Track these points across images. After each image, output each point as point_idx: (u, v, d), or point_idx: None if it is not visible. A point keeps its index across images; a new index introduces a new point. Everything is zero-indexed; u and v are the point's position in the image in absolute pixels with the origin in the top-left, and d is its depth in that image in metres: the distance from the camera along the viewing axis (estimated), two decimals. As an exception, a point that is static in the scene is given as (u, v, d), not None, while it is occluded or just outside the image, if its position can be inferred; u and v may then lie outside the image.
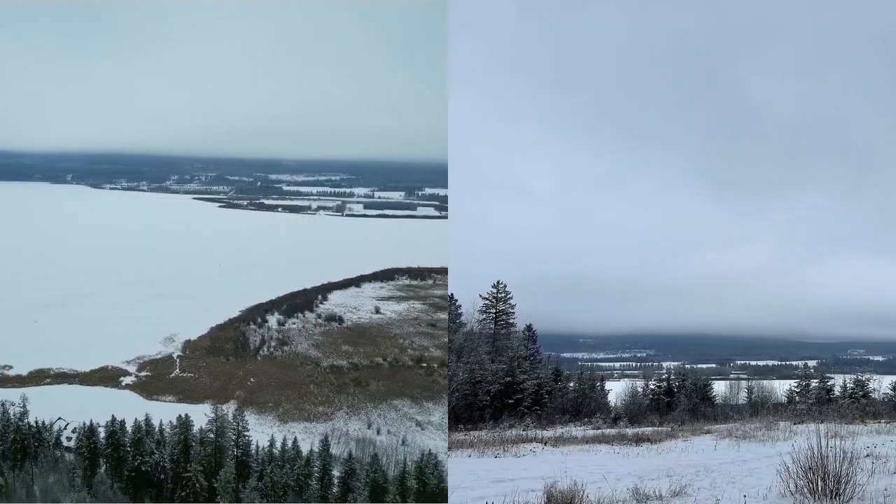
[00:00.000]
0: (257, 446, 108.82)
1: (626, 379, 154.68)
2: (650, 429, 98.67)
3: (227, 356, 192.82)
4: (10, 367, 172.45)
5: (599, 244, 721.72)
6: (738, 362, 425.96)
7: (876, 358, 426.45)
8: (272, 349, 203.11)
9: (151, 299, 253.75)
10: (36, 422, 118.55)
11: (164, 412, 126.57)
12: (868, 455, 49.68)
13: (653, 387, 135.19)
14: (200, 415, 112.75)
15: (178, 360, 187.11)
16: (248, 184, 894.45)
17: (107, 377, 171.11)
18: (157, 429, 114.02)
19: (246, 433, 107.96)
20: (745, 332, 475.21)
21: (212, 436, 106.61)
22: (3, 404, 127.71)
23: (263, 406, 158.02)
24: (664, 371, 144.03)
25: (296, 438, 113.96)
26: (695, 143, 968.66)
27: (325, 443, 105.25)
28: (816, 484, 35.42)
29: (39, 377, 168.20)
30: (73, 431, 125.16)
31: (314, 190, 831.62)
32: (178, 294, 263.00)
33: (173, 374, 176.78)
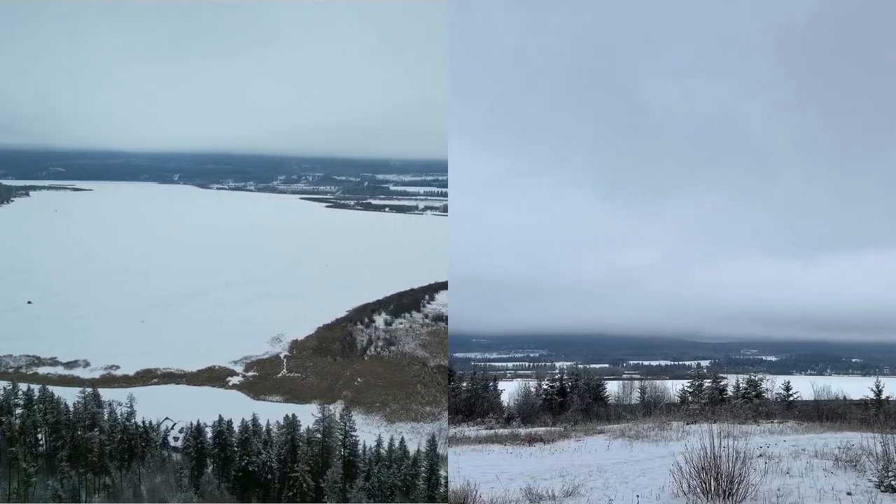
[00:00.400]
0: (364, 446, 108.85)
1: (519, 379, 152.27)
2: (543, 429, 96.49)
3: (334, 356, 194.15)
4: (118, 367, 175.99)
5: (493, 244, 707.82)
6: (631, 362, 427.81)
7: (769, 358, 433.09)
8: (379, 349, 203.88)
9: (259, 299, 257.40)
10: (143, 422, 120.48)
11: (272, 412, 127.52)
12: (761, 455, 49.65)
13: (546, 387, 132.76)
14: (307, 415, 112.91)
15: (285, 360, 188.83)
16: (356, 184, 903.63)
17: (214, 377, 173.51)
18: (264, 429, 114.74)
19: (353, 433, 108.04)
20: (638, 333, 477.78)
21: (319, 436, 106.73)
22: (110, 404, 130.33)
23: (370, 406, 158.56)
24: (557, 371, 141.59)
25: (403, 438, 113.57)
26: (590, 143, 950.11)
27: (432, 443, 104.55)
28: (709, 484, 35.45)
29: (146, 377, 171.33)
30: (180, 431, 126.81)
31: (421, 190, 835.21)
32: (285, 294, 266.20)
33: (280, 374, 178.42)
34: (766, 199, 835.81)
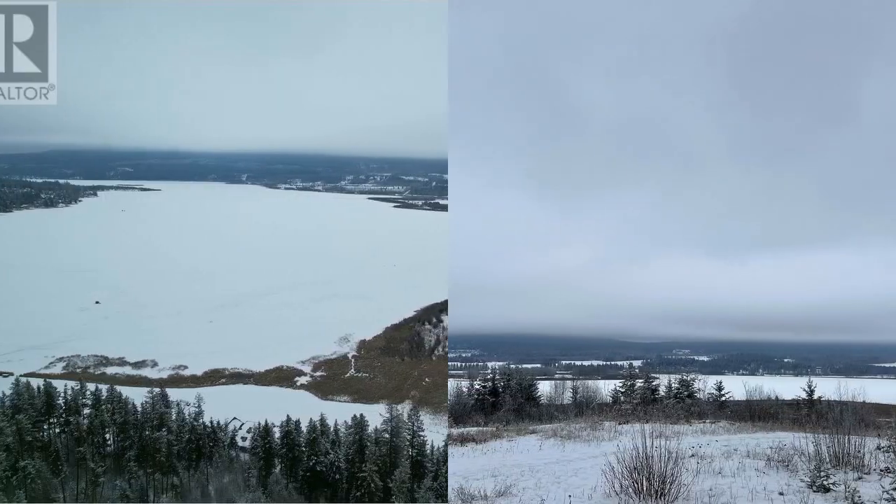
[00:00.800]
0: (432, 446, 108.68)
1: (451, 379, 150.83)
2: (475, 429, 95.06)
3: (401, 356, 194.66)
4: (186, 367, 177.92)
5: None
6: (563, 362, 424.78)
7: (701, 358, 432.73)
8: (447, 349, 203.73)
9: (326, 299, 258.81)
10: (211, 422, 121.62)
11: (339, 412, 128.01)
12: (693, 455, 49.89)
13: (478, 387, 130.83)
14: (375, 415, 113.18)
15: (353, 360, 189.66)
16: (423, 184, 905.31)
17: (282, 377, 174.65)
18: (332, 429, 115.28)
19: (421, 433, 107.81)
20: (569, 333, 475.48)
21: (387, 436, 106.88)
22: (178, 404, 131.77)
23: (438, 406, 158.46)
24: (489, 371, 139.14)
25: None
26: (521, 143, 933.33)
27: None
28: (641, 484, 35.73)
29: (214, 377, 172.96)
30: (248, 431, 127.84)
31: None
32: (352, 294, 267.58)
33: (348, 374, 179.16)
34: (697, 199, 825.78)
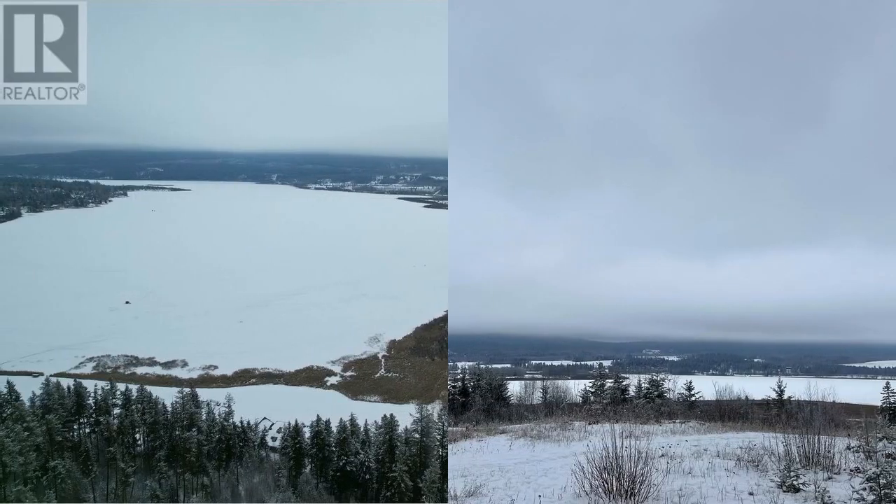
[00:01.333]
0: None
1: None
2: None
3: (431, 356, 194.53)
4: (216, 367, 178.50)
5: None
6: (533, 362, 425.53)
7: (671, 358, 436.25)
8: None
9: (356, 299, 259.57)
10: (241, 422, 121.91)
11: (369, 412, 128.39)
12: (663, 455, 49.54)
13: (448, 387, 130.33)
14: (405, 415, 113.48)
15: (383, 360, 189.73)
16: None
17: (312, 377, 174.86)
18: (362, 429, 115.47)
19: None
20: (540, 333, 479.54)
21: (417, 436, 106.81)
22: (208, 404, 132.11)
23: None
24: (459, 371, 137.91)
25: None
26: (492, 142, 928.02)
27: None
28: (612, 484, 35.54)
29: (244, 377, 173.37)
30: (278, 431, 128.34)
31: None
32: (382, 294, 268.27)
33: (378, 374, 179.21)
34: (668, 199, 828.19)
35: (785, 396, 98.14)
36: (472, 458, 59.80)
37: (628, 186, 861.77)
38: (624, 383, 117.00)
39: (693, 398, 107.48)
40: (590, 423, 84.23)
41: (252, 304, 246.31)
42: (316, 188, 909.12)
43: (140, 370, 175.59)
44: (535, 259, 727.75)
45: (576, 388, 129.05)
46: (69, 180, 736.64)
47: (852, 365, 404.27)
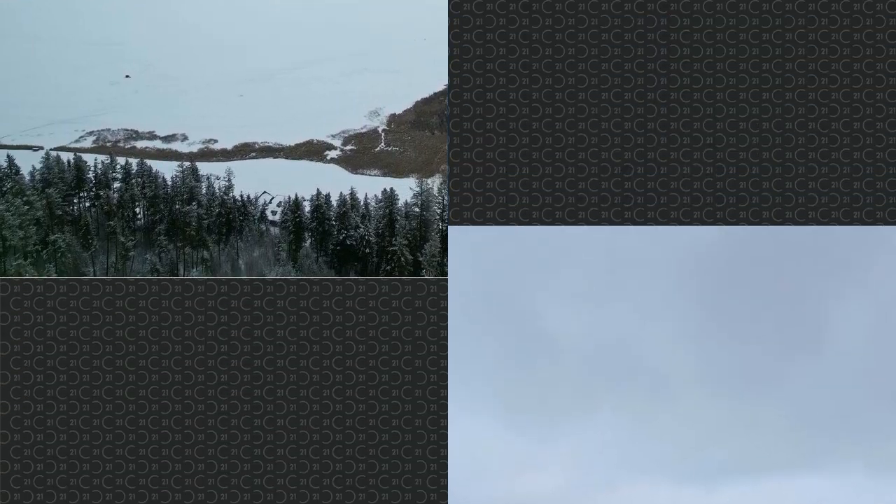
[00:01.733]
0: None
1: None
2: None
3: (431, 130, 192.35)
4: (216, 141, 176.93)
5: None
6: None
7: None
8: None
9: (357, 73, 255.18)
10: (241, 195, 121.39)
11: (369, 186, 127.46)
12: None
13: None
14: (405, 188, 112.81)
15: (383, 134, 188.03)
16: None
17: (312, 151, 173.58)
18: (361, 203, 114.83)
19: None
20: None
21: (417, 209, 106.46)
22: (208, 178, 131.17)
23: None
24: None
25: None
26: (489, 368, 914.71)
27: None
28: None
29: (244, 151, 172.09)
30: (278, 205, 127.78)
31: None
32: (383, 68, 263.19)
33: (378, 148, 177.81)
34: (665, 425, 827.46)
35: None
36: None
37: (625, 411, 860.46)
38: None
39: None
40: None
41: (252, 77, 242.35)
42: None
43: (140, 144, 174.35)
44: (531, 486, 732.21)
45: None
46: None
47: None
